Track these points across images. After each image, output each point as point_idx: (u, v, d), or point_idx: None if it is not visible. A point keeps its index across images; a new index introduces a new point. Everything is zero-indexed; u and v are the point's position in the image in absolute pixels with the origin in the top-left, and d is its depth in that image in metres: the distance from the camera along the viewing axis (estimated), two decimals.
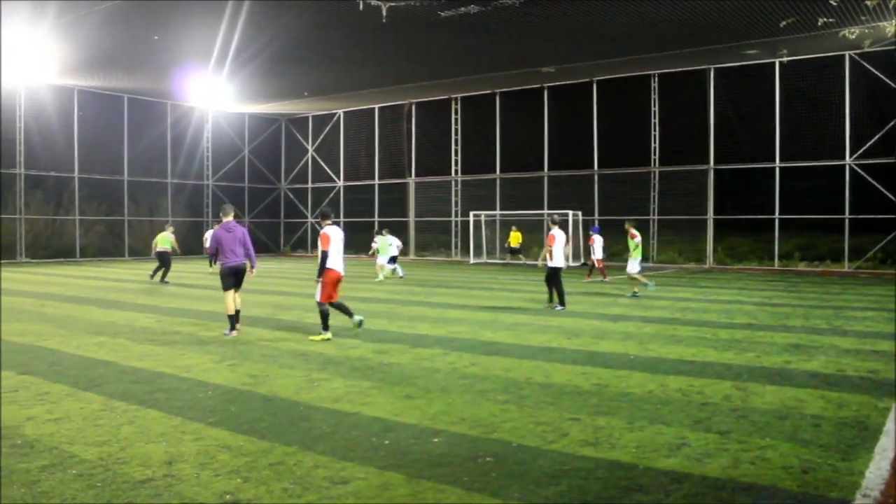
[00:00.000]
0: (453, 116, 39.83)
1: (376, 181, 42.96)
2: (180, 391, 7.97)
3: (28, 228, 36.06)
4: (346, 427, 6.53)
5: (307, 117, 46.21)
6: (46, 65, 31.43)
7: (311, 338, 11.63)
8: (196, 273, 27.73)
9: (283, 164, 48.08)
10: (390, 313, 15.11)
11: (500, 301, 17.44)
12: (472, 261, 36.50)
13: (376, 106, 42.33)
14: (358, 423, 6.65)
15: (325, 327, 11.61)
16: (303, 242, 46.64)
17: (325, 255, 11.48)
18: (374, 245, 26.13)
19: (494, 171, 38.21)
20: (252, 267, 12.77)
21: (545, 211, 34.66)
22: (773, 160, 30.50)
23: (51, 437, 6.20)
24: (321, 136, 45.85)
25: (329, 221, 11.84)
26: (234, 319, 12.20)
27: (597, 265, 24.33)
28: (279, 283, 23.62)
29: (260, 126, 46.48)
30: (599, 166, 34.80)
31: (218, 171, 44.30)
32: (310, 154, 46.44)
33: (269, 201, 47.06)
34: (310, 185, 46.61)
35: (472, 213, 36.96)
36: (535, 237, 34.53)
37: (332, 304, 11.74)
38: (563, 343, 11.23)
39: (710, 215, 32.00)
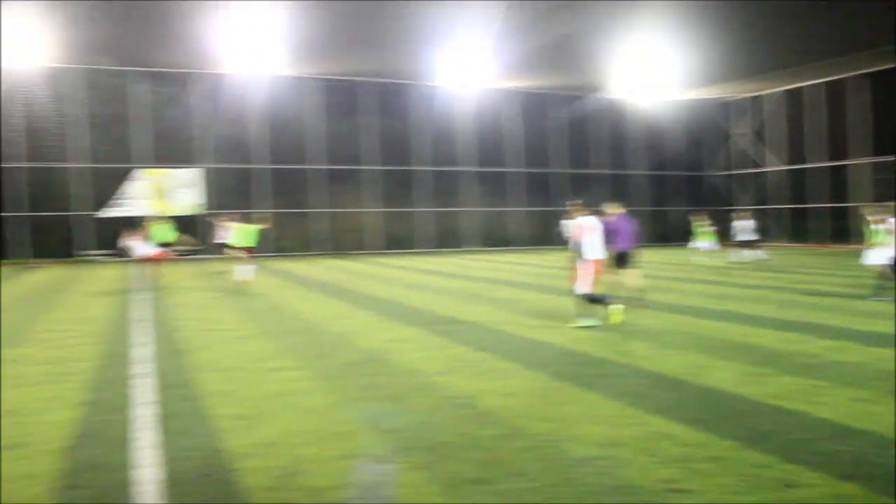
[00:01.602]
0: None
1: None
2: (619, 376, 8.17)
3: (475, 219, 40.92)
4: (793, 427, 6.11)
5: (732, 101, 44.42)
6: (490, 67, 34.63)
7: (570, 325, 11.66)
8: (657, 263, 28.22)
9: (714, 150, 46.73)
10: (848, 308, 13.83)
11: None
12: None
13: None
14: (806, 424, 6.19)
15: (589, 315, 11.67)
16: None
17: (581, 245, 11.56)
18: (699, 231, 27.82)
19: None
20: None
21: None
22: None
23: (502, 410, 6.77)
24: (757, 120, 43.77)
25: (584, 212, 11.85)
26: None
27: None
28: (705, 273, 23.00)
29: (690, 112, 45.54)
30: None
31: (646, 160, 44.88)
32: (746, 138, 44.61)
33: (700, 189, 46.21)
34: (742, 171, 44.77)
35: None
36: None
37: (590, 296, 11.67)
38: None
39: None
